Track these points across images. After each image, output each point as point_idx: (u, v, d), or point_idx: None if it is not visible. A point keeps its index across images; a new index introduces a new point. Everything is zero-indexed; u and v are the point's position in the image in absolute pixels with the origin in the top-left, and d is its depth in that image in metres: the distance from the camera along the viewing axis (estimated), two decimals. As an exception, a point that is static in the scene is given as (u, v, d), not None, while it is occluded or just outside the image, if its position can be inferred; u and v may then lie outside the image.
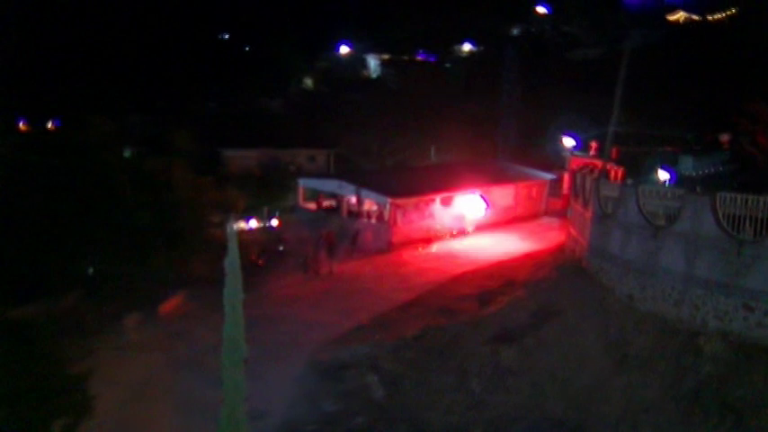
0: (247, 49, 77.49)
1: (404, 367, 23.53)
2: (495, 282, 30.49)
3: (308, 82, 77.40)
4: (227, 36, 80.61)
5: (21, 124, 55.27)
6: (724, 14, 76.21)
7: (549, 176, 48.81)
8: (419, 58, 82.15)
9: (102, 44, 59.54)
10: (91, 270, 28.01)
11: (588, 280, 25.64)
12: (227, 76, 63.73)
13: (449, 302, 28.57)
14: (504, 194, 45.56)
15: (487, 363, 22.95)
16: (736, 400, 18.23)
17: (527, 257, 34.58)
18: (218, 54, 69.08)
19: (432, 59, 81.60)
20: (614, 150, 41.94)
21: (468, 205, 42.43)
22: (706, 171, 40.17)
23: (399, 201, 39.48)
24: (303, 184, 45.74)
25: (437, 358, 23.83)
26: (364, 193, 40.87)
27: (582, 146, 49.14)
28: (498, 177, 46.30)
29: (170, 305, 28.71)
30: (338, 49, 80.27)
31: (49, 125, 53.32)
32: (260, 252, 35.46)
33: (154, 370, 23.62)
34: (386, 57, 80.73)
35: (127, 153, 34.98)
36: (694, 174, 39.58)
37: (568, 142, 49.50)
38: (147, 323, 27.00)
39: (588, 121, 48.55)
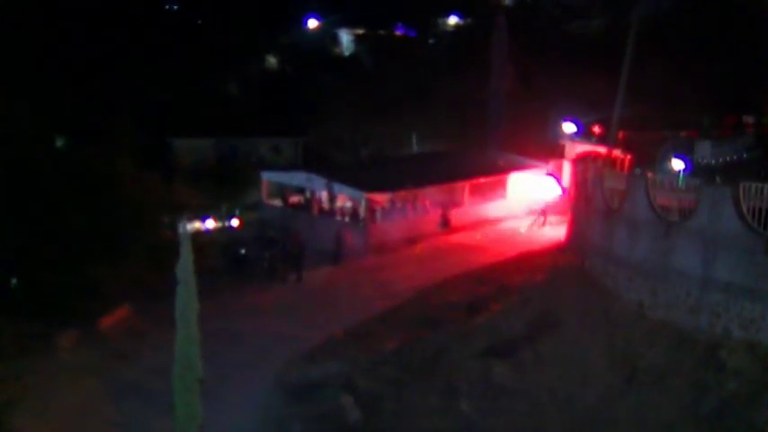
0: (199, 21, 76.75)
1: (382, 386, 23.46)
2: (485, 287, 30.45)
3: (271, 61, 76.74)
4: (175, 6, 79.78)
5: None
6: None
7: (546, 166, 48.91)
8: (398, 33, 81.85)
9: (27, 12, 58.10)
10: (13, 281, 27.49)
11: (591, 285, 25.66)
12: (175, 52, 62.83)
13: (433, 311, 28.50)
14: (496, 188, 45.60)
15: (478, 380, 22.90)
16: (766, 423, 18.19)
17: (522, 259, 34.58)
18: (164, 27, 68.15)
19: (412, 35, 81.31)
20: (620, 136, 42.06)
21: (536, 187, 43.93)
22: (726, 158, 40.43)
23: (377, 196, 39.39)
24: (267, 177, 45.47)
25: (420, 375, 23.77)
26: (337, 187, 40.70)
27: (583, 131, 49.25)
28: (489, 168, 46.31)
29: (112, 320, 28.33)
30: (305, 23, 79.71)
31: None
32: (217, 256, 35.12)
33: (92, 397, 23.15)
34: (360, 32, 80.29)
35: (58, 142, 34.49)
36: (713, 162, 39.81)
37: (568, 128, 49.60)
38: (84, 342, 26.53)
39: (590, 103, 48.61)
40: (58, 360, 25.23)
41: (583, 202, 28.96)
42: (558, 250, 33.08)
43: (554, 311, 25.06)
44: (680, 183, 25.04)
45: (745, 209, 20.39)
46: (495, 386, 22.59)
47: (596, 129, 47.55)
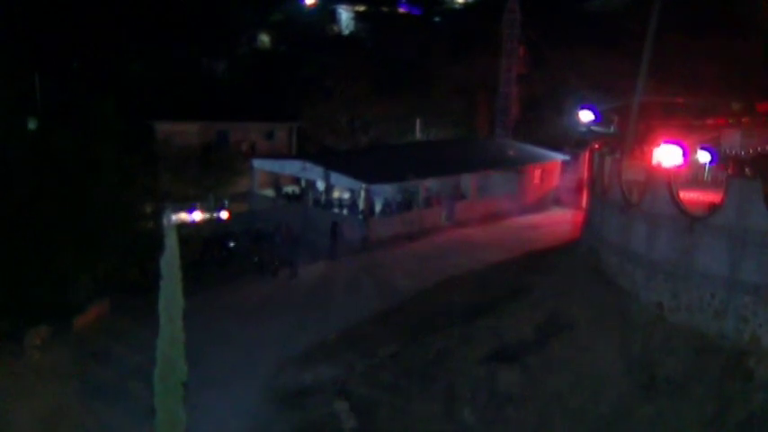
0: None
1: (379, 392, 23.46)
2: (491, 286, 30.46)
3: (264, 39, 76.70)
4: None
5: None
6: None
7: (561, 157, 48.92)
8: (401, 10, 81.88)
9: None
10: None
11: (606, 284, 25.63)
12: (159, 29, 62.76)
13: (434, 312, 28.50)
14: (506, 180, 45.63)
15: (482, 387, 22.89)
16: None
17: (532, 256, 34.59)
18: (148, 1, 68.09)
19: (416, 12, 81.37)
20: (641, 125, 42.00)
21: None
22: (757, 149, 40.35)
23: (377, 187, 39.49)
24: (258, 166, 45.57)
25: (419, 381, 23.76)
26: (334, 177, 40.71)
27: (601, 119, 49.20)
28: (498, 158, 46.30)
29: (88, 318, 28.29)
30: (301, -1, 79.81)
31: None
32: (205, 249, 35.19)
33: (64, 400, 23.06)
34: (360, 8, 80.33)
35: (30, 125, 34.33)
36: (742, 152, 39.72)
37: (585, 115, 49.56)
38: (57, 340, 26.47)
39: (610, 88, 48.53)
40: (26, 360, 25.18)
41: (598, 196, 28.89)
42: (570, 247, 33.07)
43: (565, 313, 25.04)
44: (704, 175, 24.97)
45: (776, 204, 20.35)
46: (501, 394, 22.57)
47: (615, 117, 47.46)
